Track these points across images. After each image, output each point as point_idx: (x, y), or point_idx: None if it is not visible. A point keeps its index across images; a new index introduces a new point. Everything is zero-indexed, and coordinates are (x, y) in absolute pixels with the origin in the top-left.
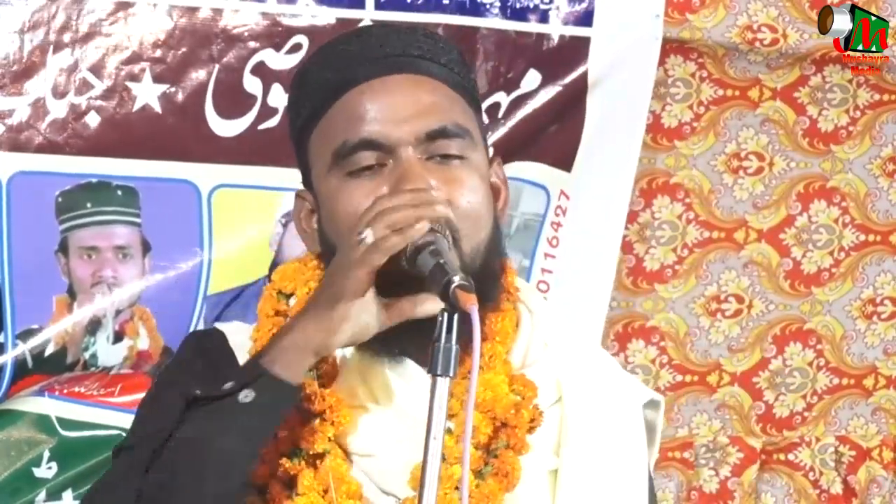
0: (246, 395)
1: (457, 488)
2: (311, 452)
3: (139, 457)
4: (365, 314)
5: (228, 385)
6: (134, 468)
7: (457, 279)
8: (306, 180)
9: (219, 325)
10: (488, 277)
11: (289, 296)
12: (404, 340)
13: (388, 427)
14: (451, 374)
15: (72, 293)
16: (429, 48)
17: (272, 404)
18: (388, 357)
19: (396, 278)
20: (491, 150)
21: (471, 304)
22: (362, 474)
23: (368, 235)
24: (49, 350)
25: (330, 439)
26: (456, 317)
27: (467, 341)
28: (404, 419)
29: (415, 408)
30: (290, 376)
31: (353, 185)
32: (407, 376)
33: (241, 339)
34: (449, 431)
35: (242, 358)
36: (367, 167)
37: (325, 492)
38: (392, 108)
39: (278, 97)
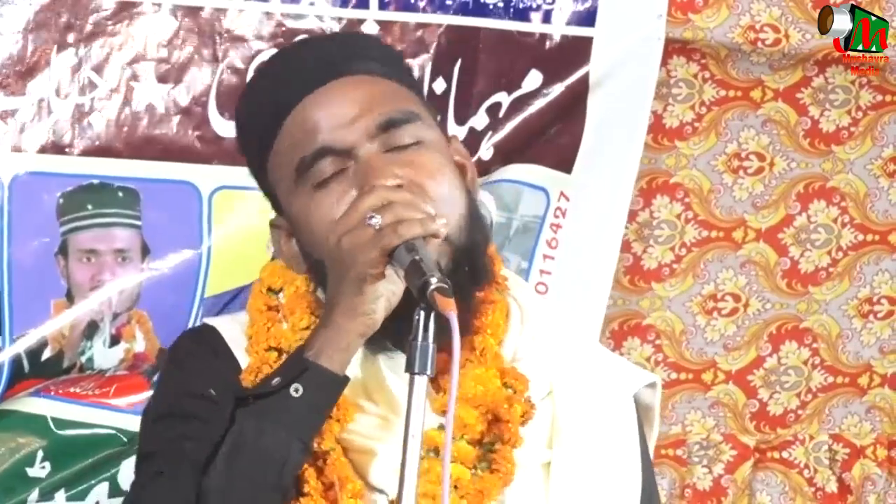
0: (296, 390)
1: (455, 487)
2: (317, 450)
3: (185, 466)
4: (391, 285)
5: (276, 381)
6: (184, 477)
7: (434, 281)
8: (276, 205)
9: (209, 321)
10: (475, 254)
11: (277, 291)
12: (399, 335)
13: (385, 423)
14: (429, 372)
15: (70, 297)
16: (356, 47)
17: (322, 396)
18: (383, 352)
19: None
20: (491, 151)
21: (450, 309)
22: (353, 470)
23: (378, 219)
24: (46, 354)
25: (336, 438)
26: (433, 315)
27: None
28: (401, 414)
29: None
30: (338, 366)
31: (321, 196)
32: (401, 371)
33: (234, 333)
34: (441, 428)
35: (238, 353)
36: (331, 176)
37: (327, 490)
38: (338, 112)
39: None
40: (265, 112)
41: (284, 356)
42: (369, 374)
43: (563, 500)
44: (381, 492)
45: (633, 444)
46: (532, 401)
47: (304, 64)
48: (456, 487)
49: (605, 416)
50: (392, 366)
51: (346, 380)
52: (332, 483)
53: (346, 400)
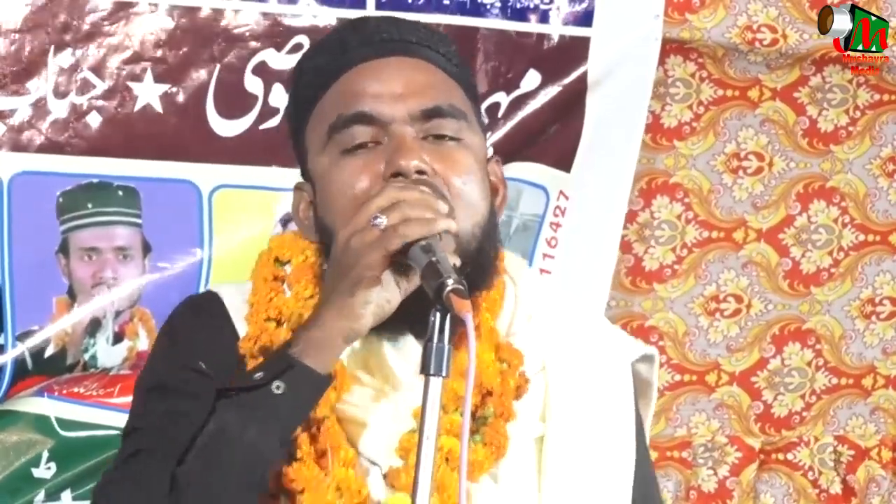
0: (278, 387)
1: (447, 459)
2: (312, 417)
3: (165, 448)
4: (385, 293)
5: (259, 376)
6: (163, 460)
7: (450, 283)
8: (304, 170)
9: (213, 287)
10: (483, 265)
11: (285, 263)
12: (403, 316)
13: (379, 395)
14: (444, 373)
15: (72, 294)
16: (426, 37)
17: (304, 395)
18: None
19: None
20: (490, 150)
21: (465, 310)
22: (347, 441)
23: (383, 220)
24: (49, 351)
25: (330, 405)
26: (448, 317)
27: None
28: (398, 388)
29: (408, 377)
30: (321, 366)
31: (347, 161)
32: (401, 346)
33: (236, 301)
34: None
35: (238, 321)
36: (362, 144)
37: (319, 457)
38: (387, 85)
39: (279, 97)
40: (318, 73)
41: (284, 326)
42: (369, 346)
43: (557, 474)
44: (371, 462)
45: (627, 418)
46: (526, 375)
47: (374, 35)
48: (447, 460)
49: (599, 389)
50: (392, 339)
51: (329, 380)
52: (324, 450)
53: (343, 369)
